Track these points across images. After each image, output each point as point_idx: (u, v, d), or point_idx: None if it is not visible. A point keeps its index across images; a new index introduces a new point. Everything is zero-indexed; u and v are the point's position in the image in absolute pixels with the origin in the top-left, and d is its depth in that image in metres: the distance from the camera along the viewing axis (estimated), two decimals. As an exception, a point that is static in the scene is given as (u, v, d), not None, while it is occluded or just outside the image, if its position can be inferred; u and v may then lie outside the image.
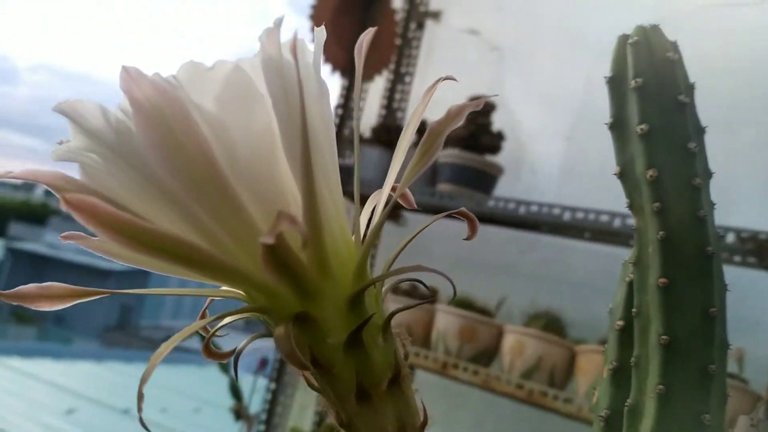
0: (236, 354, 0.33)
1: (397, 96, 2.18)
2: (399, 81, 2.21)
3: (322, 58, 0.32)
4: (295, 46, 0.26)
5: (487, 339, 1.73)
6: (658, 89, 0.36)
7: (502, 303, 1.80)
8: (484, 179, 1.84)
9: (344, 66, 2.08)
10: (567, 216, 1.59)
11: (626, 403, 0.36)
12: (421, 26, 2.23)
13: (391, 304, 1.86)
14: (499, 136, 1.86)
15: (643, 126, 0.35)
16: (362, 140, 2.05)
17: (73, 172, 0.29)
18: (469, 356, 1.72)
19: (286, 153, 0.28)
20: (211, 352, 0.34)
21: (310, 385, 0.32)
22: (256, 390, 2.13)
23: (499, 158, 1.86)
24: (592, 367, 1.53)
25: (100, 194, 0.29)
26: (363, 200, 0.36)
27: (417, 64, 2.20)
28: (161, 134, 0.26)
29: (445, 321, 1.77)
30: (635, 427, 0.36)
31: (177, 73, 0.27)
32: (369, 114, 2.09)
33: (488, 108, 1.84)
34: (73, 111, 0.27)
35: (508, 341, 1.67)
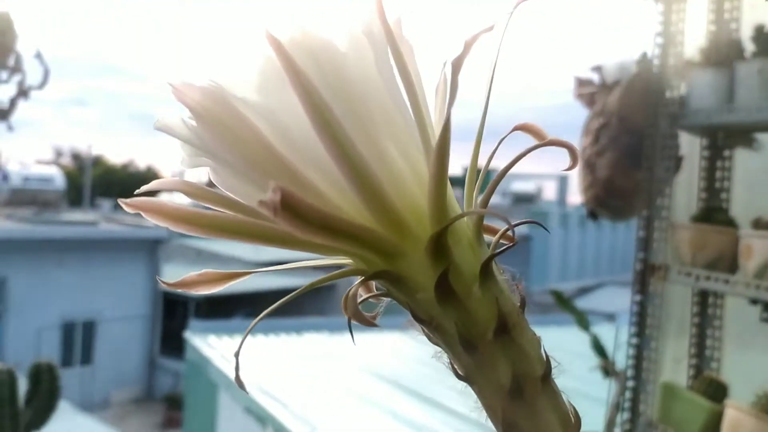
0: (372, 317, 0.34)
1: (727, 5, 1.90)
2: (728, -13, 1.92)
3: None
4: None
5: None
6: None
7: None
8: None
9: (655, -10, 1.89)
10: None
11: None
12: None
13: (751, 240, 1.63)
14: None
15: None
16: (691, 64, 1.84)
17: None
18: None
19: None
20: (361, 317, 0.36)
21: (429, 340, 0.33)
22: (619, 345, 2.07)
23: None
24: None
25: (217, 189, 0.34)
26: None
27: (747, -38, 1.88)
28: (218, 129, 0.30)
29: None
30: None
31: (217, 76, 0.30)
32: (693, 35, 1.86)
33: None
34: (166, 127, 0.32)
35: None
